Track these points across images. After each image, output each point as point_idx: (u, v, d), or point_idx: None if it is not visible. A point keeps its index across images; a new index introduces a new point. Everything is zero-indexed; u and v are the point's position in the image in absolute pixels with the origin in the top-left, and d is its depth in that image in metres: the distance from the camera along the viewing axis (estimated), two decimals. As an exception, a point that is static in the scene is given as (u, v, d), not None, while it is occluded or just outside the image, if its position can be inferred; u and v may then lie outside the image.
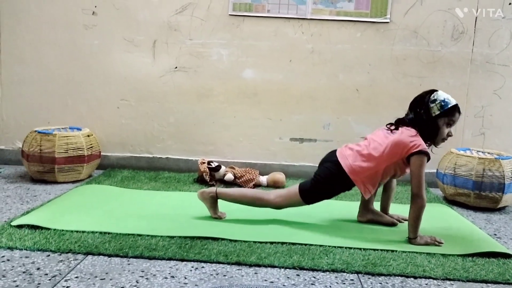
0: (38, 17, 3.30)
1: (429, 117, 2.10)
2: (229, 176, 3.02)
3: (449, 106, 2.09)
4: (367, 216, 2.37)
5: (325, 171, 2.22)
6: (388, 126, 2.21)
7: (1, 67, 3.35)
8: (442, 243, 2.08)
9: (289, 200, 2.25)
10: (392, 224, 2.32)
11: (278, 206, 2.27)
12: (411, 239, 2.08)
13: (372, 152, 2.14)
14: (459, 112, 2.14)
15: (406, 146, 2.07)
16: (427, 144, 2.13)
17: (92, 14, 3.29)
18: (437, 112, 2.09)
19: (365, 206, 2.37)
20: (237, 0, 3.22)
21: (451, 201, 2.88)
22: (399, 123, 2.19)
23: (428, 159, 2.08)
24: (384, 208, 2.45)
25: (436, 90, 2.15)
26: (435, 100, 2.10)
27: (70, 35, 3.31)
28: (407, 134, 2.10)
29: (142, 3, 3.26)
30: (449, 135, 2.15)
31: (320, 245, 2.00)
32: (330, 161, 2.23)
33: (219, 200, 2.32)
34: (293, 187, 2.26)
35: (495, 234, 2.34)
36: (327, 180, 2.19)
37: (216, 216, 2.31)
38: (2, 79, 3.37)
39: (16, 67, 3.35)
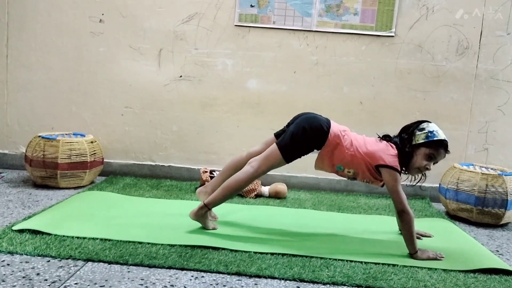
0: (46, 24, 3.33)
1: (410, 144, 2.10)
2: (231, 186, 3.01)
3: (434, 138, 2.06)
4: None
5: (312, 122, 2.17)
6: (379, 137, 2.24)
7: (7, 73, 3.38)
8: (443, 257, 2.07)
9: (268, 161, 2.18)
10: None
11: (261, 173, 2.20)
12: (412, 254, 2.07)
13: (355, 141, 2.16)
14: (446, 150, 2.09)
15: (379, 157, 2.09)
16: (402, 170, 2.13)
17: (99, 21, 3.32)
18: (420, 141, 2.07)
19: None
20: (243, 11, 3.24)
21: (453, 216, 2.87)
22: (385, 139, 2.21)
23: (400, 174, 2.09)
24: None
25: (429, 122, 2.14)
26: (423, 129, 2.09)
27: (77, 42, 3.34)
28: (386, 150, 2.11)
29: (148, 12, 3.29)
30: (426, 167, 2.10)
31: (321, 258, 1.99)
32: (319, 118, 2.21)
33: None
34: (270, 147, 2.21)
35: (497, 251, 2.32)
36: (309, 130, 2.14)
37: (210, 228, 2.28)
38: (8, 85, 3.39)
39: (22, 72, 3.37)
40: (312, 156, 3.39)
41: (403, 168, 2.15)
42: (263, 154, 2.22)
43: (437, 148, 2.08)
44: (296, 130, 2.17)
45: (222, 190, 2.24)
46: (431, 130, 2.08)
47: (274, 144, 2.20)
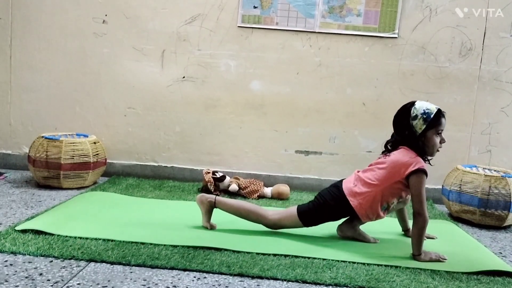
0: (49, 25, 3.34)
1: (416, 135, 2.08)
2: (234, 187, 3.02)
3: (431, 116, 2.05)
4: (347, 232, 2.29)
5: (326, 193, 2.24)
6: (383, 155, 2.22)
7: (11, 73, 3.39)
8: (445, 259, 2.07)
9: (286, 220, 2.24)
10: (374, 242, 2.29)
11: (273, 223, 2.26)
12: (416, 256, 2.07)
13: (370, 176, 2.15)
14: (444, 117, 2.10)
15: (404, 165, 2.06)
16: (425, 160, 2.13)
17: (102, 22, 3.32)
18: (423, 127, 2.06)
19: (350, 222, 2.30)
20: (246, 12, 3.25)
21: (456, 218, 2.86)
22: (389, 146, 2.20)
23: (426, 176, 2.07)
24: (404, 225, 2.44)
25: (413, 104, 2.10)
26: (416, 116, 2.07)
27: (80, 43, 3.35)
28: (405, 154, 2.09)
29: (152, 13, 3.29)
30: (441, 142, 2.12)
31: (324, 259, 1.99)
32: (334, 185, 2.26)
33: (216, 210, 2.32)
34: (291, 208, 2.27)
35: (500, 253, 2.31)
36: (326, 201, 2.20)
37: (206, 225, 2.30)
38: (11, 85, 3.40)
39: (26, 73, 3.38)
40: (314, 157, 3.41)
41: (426, 159, 2.14)
42: (284, 210, 2.31)
43: (438, 121, 2.07)
44: (320, 199, 2.23)
45: (236, 202, 2.35)
46: (422, 111, 2.06)
47: (295, 206, 2.26)
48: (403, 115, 2.11)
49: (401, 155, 2.10)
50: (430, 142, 2.09)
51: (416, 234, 2.06)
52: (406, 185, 2.10)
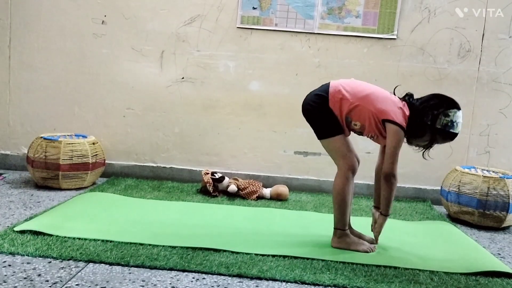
0: (48, 25, 3.34)
1: (428, 123, 2.00)
2: (233, 188, 3.02)
3: (450, 130, 1.99)
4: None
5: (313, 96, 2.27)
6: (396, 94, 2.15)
7: (10, 74, 3.39)
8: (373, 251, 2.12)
9: (335, 152, 2.15)
10: (372, 242, 2.22)
11: (346, 164, 2.12)
12: (385, 215, 2.11)
13: (361, 91, 2.10)
14: (452, 140, 2.04)
15: (388, 113, 2.01)
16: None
17: (101, 23, 3.32)
18: (438, 126, 2.00)
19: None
20: (245, 13, 3.25)
21: (455, 219, 2.87)
22: (405, 96, 2.13)
23: (404, 135, 2.02)
24: (378, 200, 2.28)
25: (457, 107, 2.01)
26: (447, 115, 1.98)
27: (79, 44, 3.34)
28: (398, 109, 2.03)
29: (151, 14, 3.29)
30: (422, 147, 2.08)
31: (323, 260, 1.99)
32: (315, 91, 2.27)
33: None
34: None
35: (499, 254, 2.32)
36: (316, 106, 2.22)
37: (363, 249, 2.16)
38: (10, 85, 3.40)
39: (24, 73, 3.38)
40: (313, 158, 3.41)
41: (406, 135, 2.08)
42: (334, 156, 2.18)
43: (445, 138, 2.03)
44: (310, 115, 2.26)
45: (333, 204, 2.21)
46: (453, 120, 1.98)
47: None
48: (443, 103, 2.01)
49: (399, 107, 2.04)
50: (425, 137, 2.04)
51: (389, 195, 2.04)
52: (376, 123, 2.04)
